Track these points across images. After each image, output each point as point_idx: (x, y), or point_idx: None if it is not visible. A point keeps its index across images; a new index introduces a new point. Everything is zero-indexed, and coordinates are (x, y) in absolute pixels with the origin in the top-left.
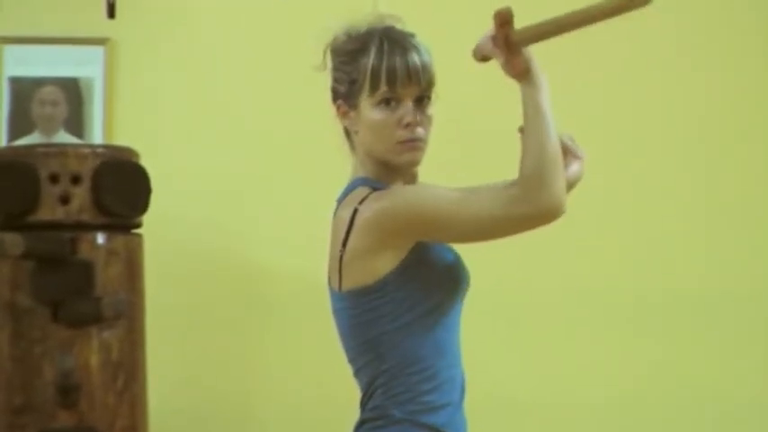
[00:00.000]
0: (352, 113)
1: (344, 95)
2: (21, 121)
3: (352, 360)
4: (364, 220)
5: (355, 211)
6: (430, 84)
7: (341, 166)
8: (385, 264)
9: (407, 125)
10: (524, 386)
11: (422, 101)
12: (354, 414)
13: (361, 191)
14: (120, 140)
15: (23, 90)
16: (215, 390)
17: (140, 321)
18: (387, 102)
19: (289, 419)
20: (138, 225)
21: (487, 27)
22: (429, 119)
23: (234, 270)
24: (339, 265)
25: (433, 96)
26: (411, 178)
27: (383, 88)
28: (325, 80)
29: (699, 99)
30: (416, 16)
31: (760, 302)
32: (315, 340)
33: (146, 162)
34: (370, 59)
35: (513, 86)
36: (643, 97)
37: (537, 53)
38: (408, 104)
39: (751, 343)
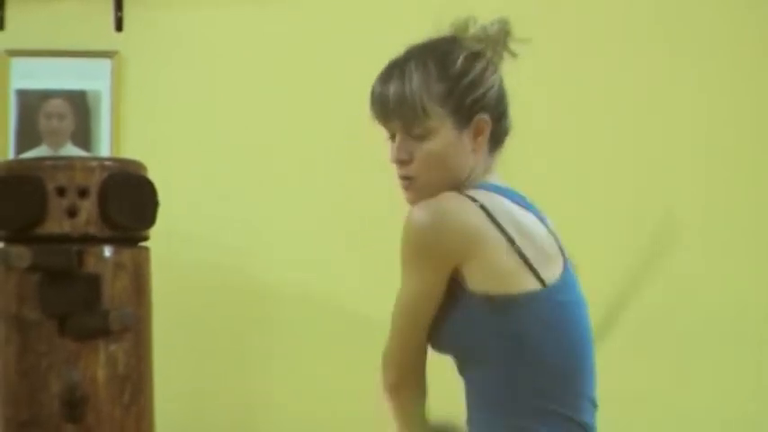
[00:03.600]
0: None
1: None
2: (28, 134)
3: None
4: None
5: None
6: (410, 116)
7: (350, 183)
8: None
9: (394, 162)
10: None
11: (419, 134)
12: (357, 428)
13: None
14: (128, 153)
15: (31, 103)
16: (221, 403)
17: (147, 334)
18: (390, 136)
19: None
20: (146, 238)
21: None
22: (426, 155)
23: (240, 283)
24: None
25: (437, 127)
26: None
27: (375, 121)
28: (330, 93)
29: (701, 107)
30: None
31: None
32: (320, 355)
33: (153, 175)
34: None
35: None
36: (644, 101)
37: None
38: (397, 139)
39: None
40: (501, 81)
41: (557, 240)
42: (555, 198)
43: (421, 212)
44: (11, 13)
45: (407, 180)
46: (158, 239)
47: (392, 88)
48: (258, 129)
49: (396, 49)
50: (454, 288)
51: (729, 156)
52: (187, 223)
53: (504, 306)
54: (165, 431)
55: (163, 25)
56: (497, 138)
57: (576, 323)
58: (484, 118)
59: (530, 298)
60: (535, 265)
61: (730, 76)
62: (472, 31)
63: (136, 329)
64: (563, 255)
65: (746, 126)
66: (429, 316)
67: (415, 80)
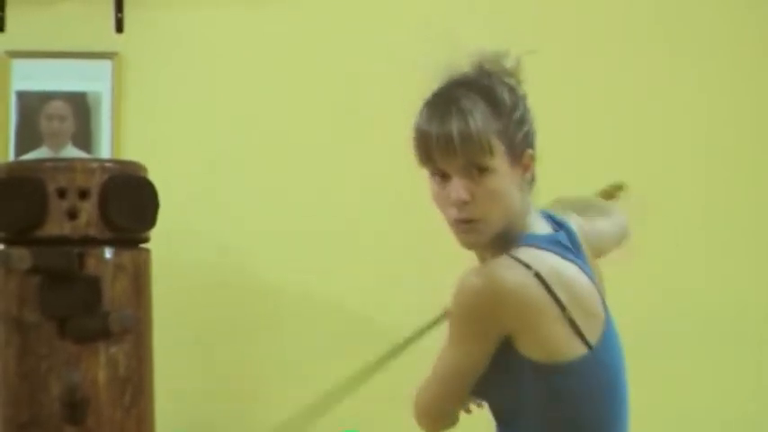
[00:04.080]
0: None
1: None
2: (28, 136)
3: None
4: None
5: None
6: (476, 153)
7: (351, 182)
8: None
9: (454, 204)
10: None
11: (481, 172)
12: (357, 428)
13: None
14: (128, 155)
15: (31, 104)
16: (222, 404)
17: (148, 336)
18: (440, 175)
19: None
20: (146, 240)
21: None
22: (489, 193)
23: (241, 285)
24: None
25: (498, 164)
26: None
27: (424, 162)
28: (330, 93)
29: (701, 107)
30: None
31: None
32: (320, 355)
33: (153, 176)
34: (415, 127)
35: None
36: (644, 101)
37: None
38: (455, 179)
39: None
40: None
41: (597, 287)
42: (553, 198)
43: (477, 282)
44: (12, 14)
45: (469, 223)
46: (159, 240)
47: (454, 127)
48: (258, 129)
49: (394, 50)
50: (502, 347)
51: (729, 156)
52: (188, 224)
53: (551, 372)
54: (169, 431)
55: (163, 26)
56: (534, 171)
57: (615, 379)
58: (531, 153)
59: (576, 363)
60: (583, 330)
61: (730, 76)
62: (507, 65)
63: (136, 331)
64: (604, 306)
65: (746, 126)
66: (475, 378)
67: (477, 117)
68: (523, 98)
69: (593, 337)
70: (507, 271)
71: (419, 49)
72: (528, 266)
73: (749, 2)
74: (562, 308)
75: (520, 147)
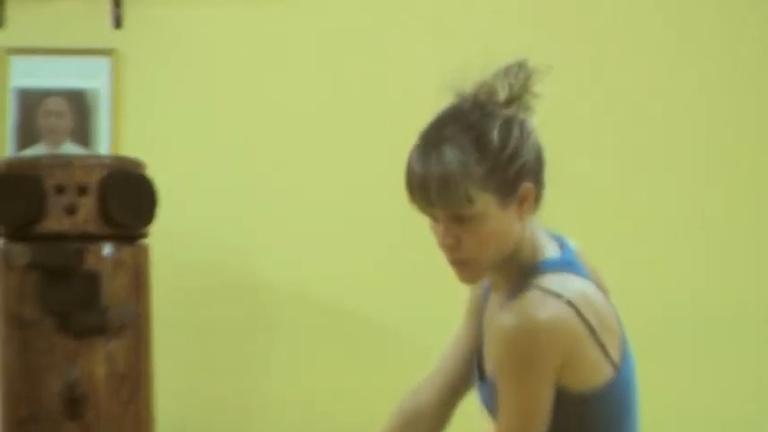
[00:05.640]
0: None
1: None
2: (27, 132)
3: None
4: None
5: None
6: (454, 206)
7: (351, 181)
8: None
9: (443, 246)
10: None
11: (465, 219)
12: (356, 427)
13: None
14: (127, 151)
15: (30, 101)
16: (220, 401)
17: (146, 332)
18: (431, 217)
19: None
20: (144, 236)
21: None
22: (477, 237)
23: (238, 282)
24: None
25: (484, 209)
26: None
27: (410, 201)
28: (329, 91)
29: (701, 106)
30: None
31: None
32: (318, 353)
33: (152, 172)
34: (408, 158)
35: None
36: (644, 101)
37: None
38: (440, 224)
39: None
40: (536, 138)
41: (612, 306)
42: (553, 199)
43: (513, 324)
44: (11, 11)
45: (460, 264)
46: (158, 237)
47: (432, 177)
48: (257, 126)
49: (393, 48)
50: None
51: (729, 156)
52: (186, 221)
53: (586, 400)
54: (167, 427)
55: (161, 23)
56: (538, 195)
57: (633, 391)
58: (528, 186)
59: (606, 387)
60: (609, 350)
61: (730, 76)
62: (501, 94)
63: (135, 327)
64: (617, 317)
65: (746, 126)
66: (547, 416)
67: (455, 167)
68: (521, 126)
69: (616, 355)
70: (541, 307)
71: (419, 48)
72: (559, 296)
73: (749, 2)
74: (592, 331)
75: (513, 183)
